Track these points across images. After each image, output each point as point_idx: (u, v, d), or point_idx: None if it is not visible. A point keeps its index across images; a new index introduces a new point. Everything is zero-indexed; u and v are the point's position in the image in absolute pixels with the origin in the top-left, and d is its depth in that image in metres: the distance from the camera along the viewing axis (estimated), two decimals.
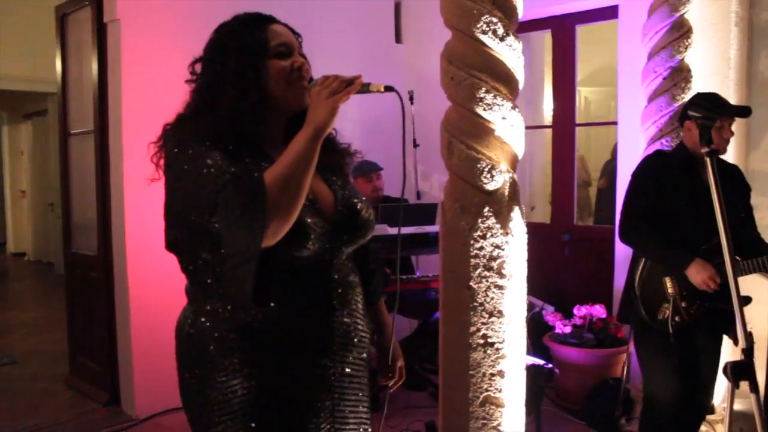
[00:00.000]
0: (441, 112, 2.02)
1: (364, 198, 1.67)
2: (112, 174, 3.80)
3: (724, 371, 1.40)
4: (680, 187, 2.47)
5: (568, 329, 3.81)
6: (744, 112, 2.45)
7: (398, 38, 5.18)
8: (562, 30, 4.51)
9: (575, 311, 3.85)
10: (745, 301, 2.48)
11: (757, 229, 2.66)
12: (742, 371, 1.37)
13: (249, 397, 1.41)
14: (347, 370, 1.54)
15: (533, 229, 4.89)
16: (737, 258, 2.47)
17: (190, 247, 1.39)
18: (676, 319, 2.50)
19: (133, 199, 3.65)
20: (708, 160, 1.42)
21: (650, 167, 2.63)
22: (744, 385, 2.72)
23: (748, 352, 1.37)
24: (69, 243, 4.34)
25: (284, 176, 1.30)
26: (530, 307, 4.30)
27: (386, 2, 5.11)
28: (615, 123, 4.20)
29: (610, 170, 6.27)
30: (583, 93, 9.22)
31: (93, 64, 3.87)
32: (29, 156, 10.26)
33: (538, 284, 4.47)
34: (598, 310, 3.79)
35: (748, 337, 2.79)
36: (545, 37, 4.91)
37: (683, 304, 2.49)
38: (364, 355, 1.61)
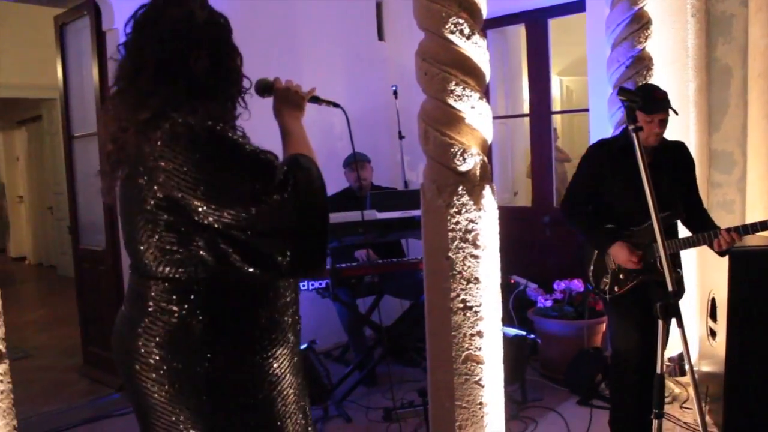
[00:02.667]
0: None
1: None
2: None
3: (654, 312, 1.66)
4: (619, 171, 2.74)
5: (549, 303, 4.08)
6: (667, 107, 2.71)
7: (380, 36, 5.41)
8: (535, 23, 4.77)
9: (555, 286, 4.12)
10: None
11: (701, 200, 2.95)
12: (669, 310, 1.63)
13: (290, 368, 1.49)
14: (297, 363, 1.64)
15: (516, 212, 5.26)
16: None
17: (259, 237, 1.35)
18: (615, 289, 2.82)
19: None
20: (633, 135, 1.67)
21: (591, 155, 2.92)
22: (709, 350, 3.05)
23: (674, 294, 1.63)
24: (77, 239, 4.58)
25: (310, 150, 1.56)
26: (515, 285, 4.57)
27: (368, 2, 5.35)
28: (587, 110, 4.47)
29: None
30: (565, 82, 9.48)
31: (94, 70, 4.10)
32: (25, 162, 10.43)
33: (522, 264, 4.74)
34: (577, 285, 4.06)
35: (712, 301, 3.09)
36: (521, 31, 5.17)
37: (621, 276, 2.79)
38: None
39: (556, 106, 8.92)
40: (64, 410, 3.87)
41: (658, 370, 1.67)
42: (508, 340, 3.70)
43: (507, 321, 4.42)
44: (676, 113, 2.69)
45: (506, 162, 5.74)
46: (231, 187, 1.31)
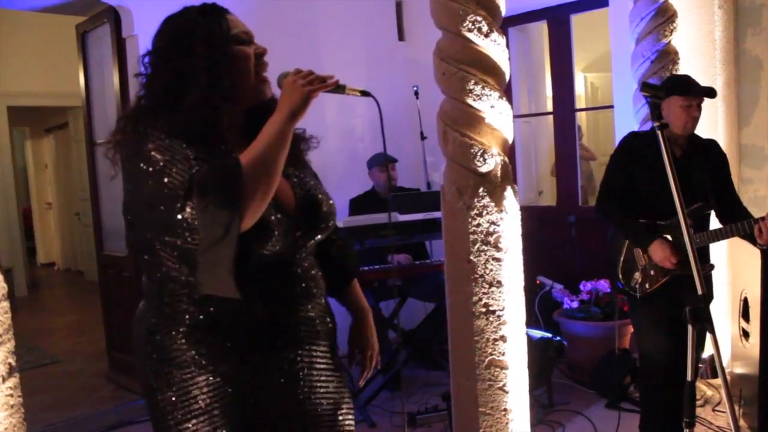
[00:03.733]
0: None
1: (323, 188, 1.65)
2: None
3: (683, 317, 1.59)
4: (652, 165, 2.66)
5: (575, 304, 4.01)
6: (709, 93, 2.63)
7: (401, 36, 5.38)
8: (558, 20, 4.69)
9: (581, 287, 4.04)
10: (711, 267, 2.75)
11: (737, 195, 2.85)
12: (699, 315, 1.56)
13: (215, 394, 1.39)
14: (315, 364, 1.52)
15: (541, 212, 5.18)
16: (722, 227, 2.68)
17: (154, 243, 1.32)
18: (646, 286, 2.72)
19: None
20: (659, 133, 1.61)
21: (623, 148, 2.83)
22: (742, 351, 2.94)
23: (704, 297, 1.56)
24: (101, 246, 4.61)
25: (260, 157, 1.30)
26: (541, 286, 4.50)
27: (388, 2, 5.32)
28: (612, 107, 4.38)
29: None
30: (590, 79, 9.35)
31: (114, 77, 4.13)
32: (53, 168, 10.58)
33: (548, 264, 4.67)
34: (603, 285, 3.97)
35: (744, 300, 3.00)
36: (543, 28, 5.09)
37: (652, 273, 2.70)
38: (331, 348, 1.59)
39: (581, 103, 8.80)
40: (88, 416, 3.89)
41: (689, 377, 1.60)
42: (533, 343, 3.64)
43: (533, 323, 4.35)
44: (715, 94, 2.61)
45: (530, 161, 5.66)
46: (136, 203, 1.35)
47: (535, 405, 3.53)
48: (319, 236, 1.57)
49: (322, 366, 1.54)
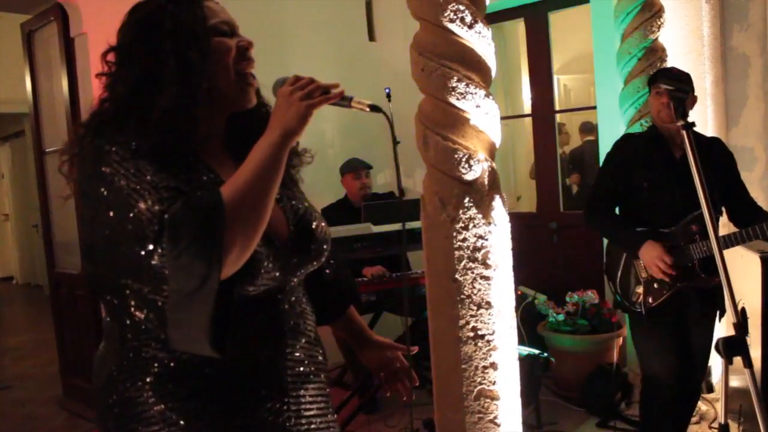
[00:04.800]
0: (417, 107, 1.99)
1: (314, 210, 1.43)
2: None
3: (717, 348, 1.37)
4: (650, 167, 2.46)
5: (561, 317, 3.79)
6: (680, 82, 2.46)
7: (371, 36, 5.14)
8: (535, 18, 4.50)
9: (567, 298, 3.83)
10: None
11: (749, 195, 2.64)
12: (734, 346, 1.33)
13: None
14: (303, 411, 1.30)
15: (520, 218, 4.95)
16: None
17: (117, 283, 1.13)
18: (649, 300, 2.51)
19: None
20: (684, 133, 1.39)
21: (617, 151, 2.63)
22: (738, 362, 2.72)
23: (740, 326, 1.34)
24: (53, 263, 4.28)
25: (246, 190, 1.07)
26: (523, 297, 4.28)
27: (357, 1, 5.08)
28: (594, 108, 4.19)
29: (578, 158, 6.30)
30: (562, 81, 9.22)
31: (63, 80, 3.82)
32: (10, 178, 10.16)
33: (529, 274, 4.45)
34: (590, 296, 3.77)
35: (742, 311, 2.79)
36: (519, 27, 4.89)
37: (655, 285, 2.49)
38: (322, 388, 1.38)
39: (555, 105, 8.67)
40: None
41: (722, 419, 1.37)
42: (519, 360, 3.41)
43: (518, 337, 4.13)
44: (685, 86, 2.41)
45: (507, 165, 5.47)
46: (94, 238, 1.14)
47: (523, 427, 3.30)
48: (312, 267, 1.34)
49: (312, 412, 1.32)
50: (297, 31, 4.59)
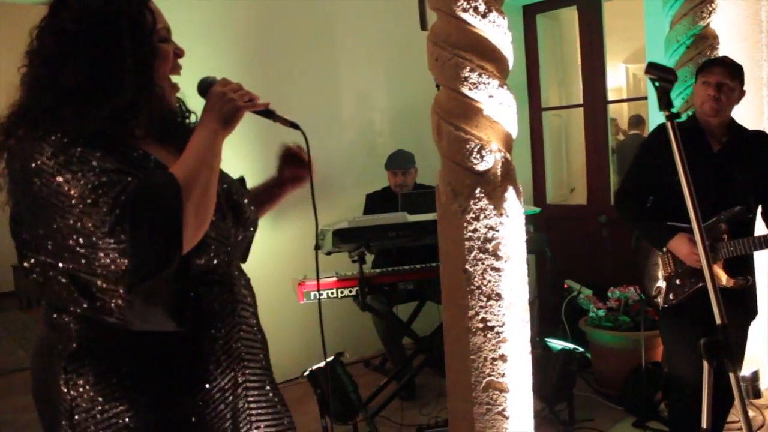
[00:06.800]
0: None
1: (246, 192, 1.49)
2: None
3: (698, 349, 1.32)
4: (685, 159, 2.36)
5: (602, 312, 3.70)
6: (728, 67, 2.34)
7: (423, 26, 5.10)
8: (588, 6, 4.37)
9: (609, 294, 3.73)
10: (746, 280, 2.37)
11: None
12: (716, 349, 1.28)
13: (138, 427, 1.18)
14: (251, 387, 1.37)
15: (570, 211, 4.85)
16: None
17: (66, 274, 1.14)
18: (670, 297, 2.41)
19: None
20: (668, 124, 1.34)
21: (652, 141, 2.53)
22: None
23: (724, 327, 1.28)
24: None
25: (195, 173, 1.14)
26: (567, 291, 4.20)
27: None
28: (646, 98, 4.05)
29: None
30: (631, 70, 8.90)
31: None
32: None
33: (577, 267, 4.37)
34: (632, 292, 3.66)
35: (750, 295, 2.61)
36: (575, 15, 4.76)
37: (677, 282, 2.39)
38: (265, 365, 1.43)
39: (622, 95, 8.38)
40: None
41: (704, 424, 1.32)
42: (553, 355, 3.37)
43: (560, 331, 4.07)
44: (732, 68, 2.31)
45: (561, 156, 5.34)
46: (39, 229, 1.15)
47: (555, 422, 3.26)
48: (247, 237, 1.43)
49: (256, 385, 1.39)
50: (347, 24, 4.61)
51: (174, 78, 1.31)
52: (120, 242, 1.05)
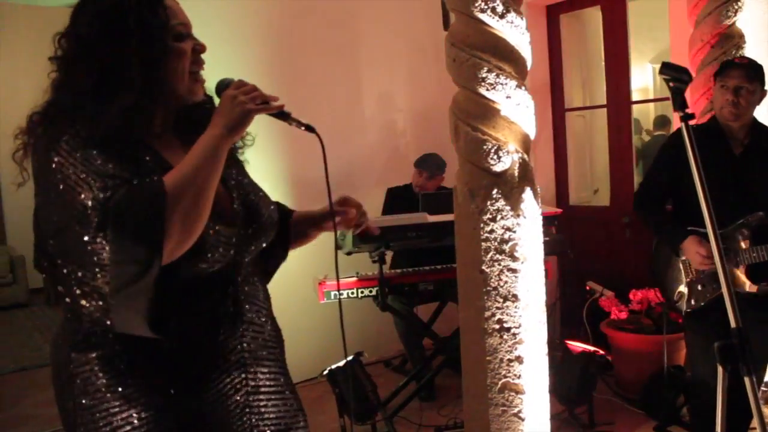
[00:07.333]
0: None
1: (263, 192, 1.46)
2: None
3: (711, 353, 1.30)
4: (704, 163, 2.33)
5: (623, 315, 3.67)
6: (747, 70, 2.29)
7: (446, 25, 5.10)
8: (612, 5, 4.32)
9: (631, 296, 3.70)
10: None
11: None
12: (730, 353, 1.26)
13: (147, 429, 1.21)
14: (262, 385, 1.37)
15: (594, 212, 4.79)
16: None
17: (66, 268, 1.18)
18: (692, 302, 2.38)
19: None
20: (683, 126, 1.33)
21: (671, 143, 2.50)
22: None
23: (738, 331, 1.26)
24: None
25: (187, 181, 1.12)
26: (590, 293, 4.17)
27: None
28: (668, 99, 3.99)
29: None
30: (658, 70, 8.79)
31: None
32: None
33: (599, 269, 4.32)
34: (655, 295, 3.62)
35: None
36: (599, 15, 4.71)
37: (699, 288, 2.36)
38: (280, 365, 1.44)
39: (649, 95, 8.27)
40: None
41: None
42: (573, 357, 3.34)
43: (581, 333, 4.03)
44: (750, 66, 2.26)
45: (584, 157, 5.29)
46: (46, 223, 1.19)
47: (575, 425, 3.23)
48: (261, 245, 1.39)
49: (270, 389, 1.38)
50: (369, 24, 4.62)
51: None
52: (102, 248, 1.07)
